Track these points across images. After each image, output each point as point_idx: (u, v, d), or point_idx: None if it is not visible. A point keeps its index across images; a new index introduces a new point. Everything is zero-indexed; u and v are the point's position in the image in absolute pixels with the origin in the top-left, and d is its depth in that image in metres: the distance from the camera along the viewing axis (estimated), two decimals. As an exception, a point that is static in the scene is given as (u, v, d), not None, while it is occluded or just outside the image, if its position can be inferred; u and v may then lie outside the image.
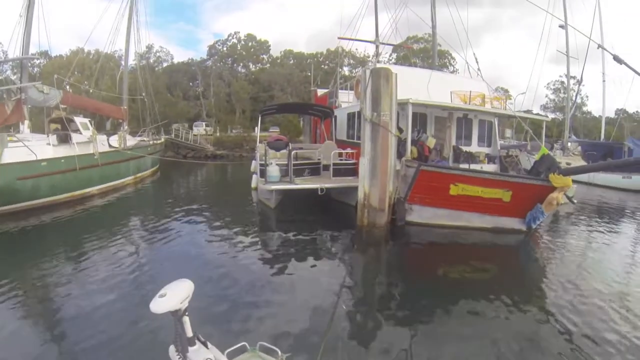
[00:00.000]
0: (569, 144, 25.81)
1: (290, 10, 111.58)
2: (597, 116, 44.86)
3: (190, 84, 58.68)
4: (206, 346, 2.47)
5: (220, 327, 4.58)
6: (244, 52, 60.87)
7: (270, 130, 41.69)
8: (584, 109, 56.98)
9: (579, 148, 25.38)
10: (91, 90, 18.96)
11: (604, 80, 29.90)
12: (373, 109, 9.14)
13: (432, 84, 12.30)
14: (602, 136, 30.73)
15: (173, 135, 31.90)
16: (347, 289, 5.98)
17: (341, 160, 12.38)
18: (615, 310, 5.33)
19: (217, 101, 53.02)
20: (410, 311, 5.29)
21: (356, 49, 46.93)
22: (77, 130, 14.13)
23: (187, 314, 2.26)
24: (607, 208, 14.73)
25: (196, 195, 16.21)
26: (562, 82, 53.85)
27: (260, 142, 16.48)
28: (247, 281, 6.07)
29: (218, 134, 41.13)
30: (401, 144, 10.81)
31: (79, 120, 14.77)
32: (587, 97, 57.07)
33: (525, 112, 20.48)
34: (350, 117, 14.99)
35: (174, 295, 2.15)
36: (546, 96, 60.39)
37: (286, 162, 11.15)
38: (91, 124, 15.48)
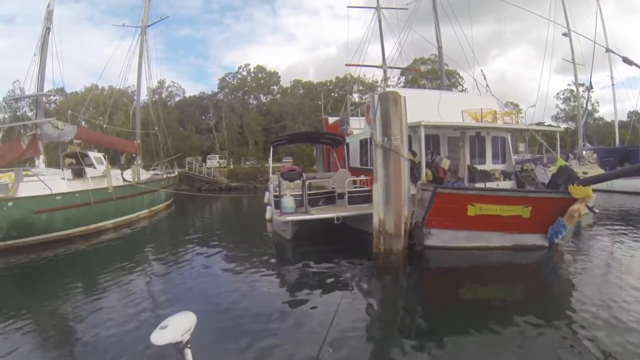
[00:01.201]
0: (584, 152, 25.32)
1: (299, 40, 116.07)
2: (610, 121, 44.00)
3: (203, 117, 60.03)
4: None
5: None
6: (254, 84, 62.29)
7: (284, 160, 41.97)
8: (596, 115, 56.40)
9: (594, 155, 24.87)
10: (105, 126, 19.41)
11: (613, 84, 29.80)
12: (384, 134, 9.06)
13: (442, 104, 12.24)
14: (617, 141, 30.16)
15: (187, 169, 32.27)
16: (365, 319, 5.68)
17: (355, 187, 12.16)
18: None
19: (229, 133, 53.89)
20: (433, 337, 4.99)
21: (364, 75, 47.55)
22: (91, 165, 14.39)
23: (189, 346, 2.17)
24: (629, 214, 14.37)
25: (210, 227, 16.06)
26: (572, 91, 54.38)
27: (273, 173, 16.50)
28: (257, 314, 5.82)
29: (232, 166, 41.46)
30: (415, 167, 10.68)
31: (93, 154, 15.05)
32: (597, 103, 57.00)
33: (537, 124, 20.21)
34: (363, 143, 14.92)
35: (175, 328, 2.11)
36: (556, 106, 60.17)
37: (300, 193, 11.00)
38: (105, 159, 15.72)
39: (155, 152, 22.52)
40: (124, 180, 16.21)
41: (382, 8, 19.21)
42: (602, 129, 51.28)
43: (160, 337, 2.02)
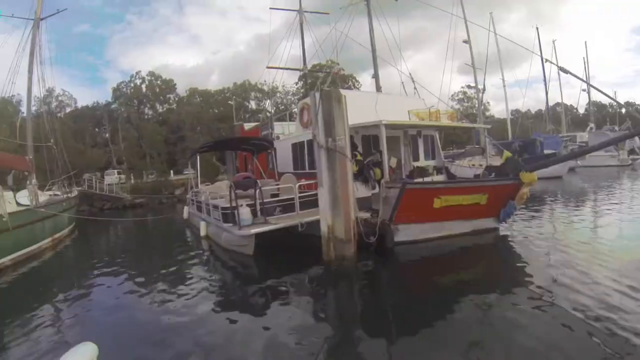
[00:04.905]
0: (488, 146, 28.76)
1: (204, 41, 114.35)
2: (502, 118, 50.57)
3: (97, 129, 54.15)
4: None
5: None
6: (149, 93, 57.85)
7: (185, 172, 39.33)
8: (487, 113, 65.19)
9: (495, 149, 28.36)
10: None
11: (504, 86, 35.24)
12: (327, 135, 8.61)
13: (371, 105, 12.44)
14: (510, 135, 35.26)
15: (86, 186, 28.21)
16: (326, 337, 5.38)
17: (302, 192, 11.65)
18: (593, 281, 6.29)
19: (127, 146, 49.16)
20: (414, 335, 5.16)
21: (264, 81, 46.37)
22: (-25, 188, 11.56)
23: None
24: (537, 195, 17.00)
25: (130, 253, 13.69)
26: (465, 92, 68.28)
27: (195, 185, 15.32)
28: (190, 344, 5.24)
29: (132, 181, 37.62)
30: (365, 168, 10.92)
31: (-23, 175, 12.14)
32: (488, 102, 68.19)
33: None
34: (297, 147, 14.63)
35: None
36: (451, 107, 67.39)
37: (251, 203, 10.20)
38: (-7, 179, 12.85)
39: (49, 169, 19.10)
40: (18, 204, 13.34)
41: (305, 12, 19.22)
42: (494, 125, 58.85)
43: None
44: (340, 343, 5.16)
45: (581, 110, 66.98)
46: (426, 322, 5.38)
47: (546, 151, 24.49)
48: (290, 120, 19.16)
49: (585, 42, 69.04)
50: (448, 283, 7.23)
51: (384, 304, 6.67)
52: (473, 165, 20.37)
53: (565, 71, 8.38)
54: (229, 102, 55.58)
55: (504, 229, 10.58)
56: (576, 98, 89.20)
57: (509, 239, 9.99)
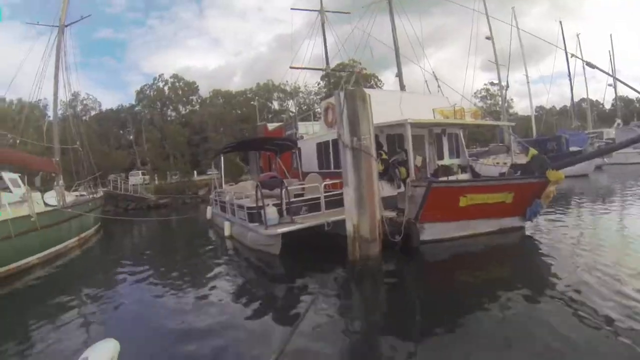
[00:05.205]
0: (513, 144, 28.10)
1: (225, 43, 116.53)
2: (524, 115, 49.45)
3: (121, 131, 55.46)
4: None
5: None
6: (172, 95, 58.76)
7: (208, 172, 39.83)
8: (510, 110, 63.63)
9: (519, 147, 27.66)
10: (18, 141, 16.29)
11: (528, 82, 34.40)
12: (352, 134, 8.50)
13: (395, 103, 12.30)
14: (534, 133, 34.26)
15: (111, 187, 28.83)
16: (352, 336, 5.40)
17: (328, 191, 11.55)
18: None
19: (151, 147, 50.06)
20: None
21: (286, 81, 46.41)
22: (6, 189, 11.92)
23: None
24: (563, 194, 16.33)
25: (154, 251, 13.92)
26: (488, 90, 65.32)
27: (219, 185, 15.36)
28: (213, 343, 5.22)
29: (156, 182, 38.29)
30: (390, 167, 10.77)
31: (7, 176, 12.46)
32: (512, 99, 66.16)
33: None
34: (322, 146, 14.54)
35: (96, 358, 2.09)
36: (474, 104, 66.23)
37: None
38: (22, 180, 13.18)
39: (75, 170, 19.57)
40: (46, 204, 13.70)
41: (326, 12, 19.15)
42: (518, 122, 57.78)
43: None
44: (365, 342, 5.18)
45: (607, 106, 64.42)
46: (451, 322, 5.31)
47: (572, 148, 23.81)
48: (314, 120, 19.05)
49: (611, 35, 65.83)
50: (473, 282, 7.12)
51: (410, 303, 6.58)
52: (497, 163, 19.90)
53: (592, 66, 8.06)
54: (252, 102, 55.82)
55: (529, 228, 10.32)
56: (602, 93, 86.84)
57: (535, 238, 9.70)
